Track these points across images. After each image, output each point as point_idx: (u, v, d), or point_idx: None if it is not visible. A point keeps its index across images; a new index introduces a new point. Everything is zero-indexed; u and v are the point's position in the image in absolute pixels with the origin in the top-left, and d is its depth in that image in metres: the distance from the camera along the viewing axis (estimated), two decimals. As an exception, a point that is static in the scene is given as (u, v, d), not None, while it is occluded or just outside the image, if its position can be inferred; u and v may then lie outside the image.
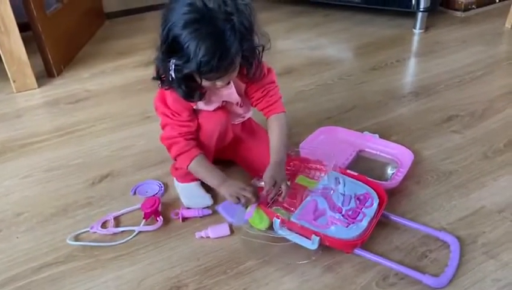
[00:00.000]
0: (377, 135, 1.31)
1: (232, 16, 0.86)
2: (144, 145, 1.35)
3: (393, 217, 1.05)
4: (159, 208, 1.07)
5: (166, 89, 0.99)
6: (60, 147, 1.37)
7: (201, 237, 1.02)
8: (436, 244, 0.99)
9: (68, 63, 1.89)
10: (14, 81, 1.67)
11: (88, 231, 1.05)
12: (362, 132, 1.33)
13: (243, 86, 1.08)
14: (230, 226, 1.04)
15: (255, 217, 1.01)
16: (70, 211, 1.12)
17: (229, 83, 1.00)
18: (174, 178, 1.16)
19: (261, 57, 0.99)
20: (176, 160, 1.08)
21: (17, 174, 1.26)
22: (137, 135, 1.40)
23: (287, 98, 1.57)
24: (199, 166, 1.04)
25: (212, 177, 1.05)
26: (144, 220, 1.06)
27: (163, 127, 1.06)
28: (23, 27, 1.66)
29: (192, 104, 1.03)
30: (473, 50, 1.90)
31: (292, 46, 2.04)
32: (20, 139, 1.42)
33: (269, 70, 1.08)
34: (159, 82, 0.99)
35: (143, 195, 1.15)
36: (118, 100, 1.61)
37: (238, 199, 0.99)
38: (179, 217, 1.07)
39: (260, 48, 0.97)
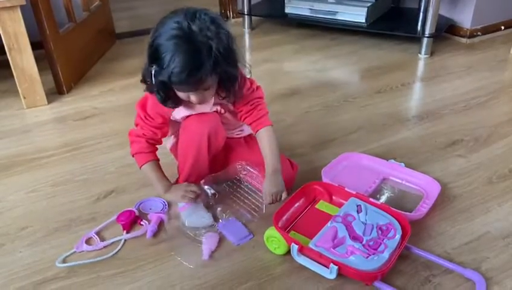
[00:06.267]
0: (402, 164, 1.28)
1: (210, 40, 0.93)
2: (149, 163, 1.36)
3: (416, 251, 1.01)
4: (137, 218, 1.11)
5: (150, 93, 1.06)
6: (67, 163, 1.39)
7: (209, 255, 1.02)
8: (440, 269, 0.98)
9: (78, 81, 1.92)
10: (24, 98, 1.70)
11: (75, 252, 1.05)
12: (387, 160, 1.30)
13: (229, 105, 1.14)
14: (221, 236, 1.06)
15: (273, 242, 1.01)
16: (73, 226, 1.13)
17: (202, 100, 1.05)
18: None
19: (239, 85, 1.05)
20: (133, 157, 1.14)
21: (23, 189, 1.27)
22: (143, 153, 1.42)
23: (292, 119, 1.60)
24: (152, 170, 1.12)
25: (160, 184, 1.12)
26: (124, 232, 1.08)
27: (136, 125, 1.14)
28: (36, 45, 1.70)
29: (169, 112, 1.10)
30: (477, 76, 1.91)
31: (299, 68, 2.06)
32: (28, 154, 1.44)
33: (258, 87, 1.16)
34: (145, 86, 1.06)
35: (146, 212, 1.16)
36: (125, 118, 1.63)
37: (191, 198, 1.09)
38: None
39: (237, 75, 1.03)
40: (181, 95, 1.02)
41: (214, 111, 1.12)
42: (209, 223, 1.11)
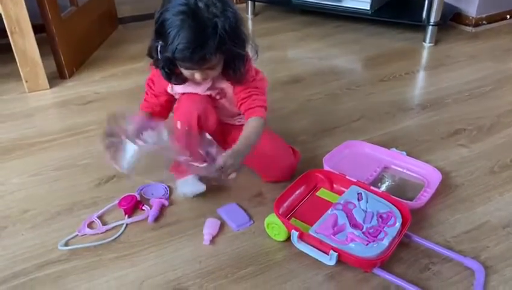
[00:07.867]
0: (404, 152, 1.28)
1: (216, 18, 0.93)
2: (150, 148, 1.36)
3: (416, 239, 1.01)
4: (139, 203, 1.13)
5: (155, 67, 1.07)
6: (69, 147, 1.39)
7: (210, 240, 1.03)
8: (439, 257, 0.98)
9: (80, 66, 1.92)
10: (26, 81, 1.69)
11: (77, 235, 1.06)
12: (389, 148, 1.29)
13: (230, 90, 1.12)
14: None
15: (273, 228, 1.02)
16: (75, 210, 1.14)
17: (207, 79, 1.05)
18: (174, 175, 1.19)
19: (245, 65, 1.04)
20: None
21: (26, 172, 1.28)
22: (145, 138, 1.42)
23: (294, 106, 1.60)
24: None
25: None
26: (126, 216, 1.09)
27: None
28: (38, 29, 1.69)
29: (167, 86, 1.11)
30: (482, 65, 1.90)
31: (302, 56, 2.05)
32: (30, 138, 1.44)
33: (262, 79, 1.14)
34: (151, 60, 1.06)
35: (148, 197, 1.16)
36: (127, 103, 1.63)
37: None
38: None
39: (244, 56, 1.02)
40: (185, 72, 1.01)
41: (209, 95, 1.11)
42: (201, 190, 1.13)
